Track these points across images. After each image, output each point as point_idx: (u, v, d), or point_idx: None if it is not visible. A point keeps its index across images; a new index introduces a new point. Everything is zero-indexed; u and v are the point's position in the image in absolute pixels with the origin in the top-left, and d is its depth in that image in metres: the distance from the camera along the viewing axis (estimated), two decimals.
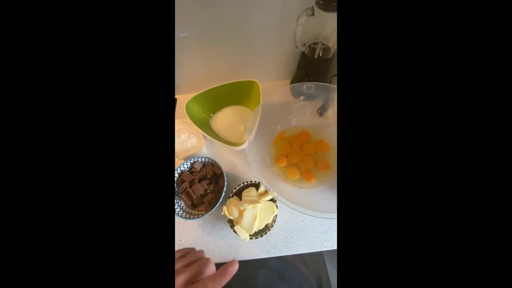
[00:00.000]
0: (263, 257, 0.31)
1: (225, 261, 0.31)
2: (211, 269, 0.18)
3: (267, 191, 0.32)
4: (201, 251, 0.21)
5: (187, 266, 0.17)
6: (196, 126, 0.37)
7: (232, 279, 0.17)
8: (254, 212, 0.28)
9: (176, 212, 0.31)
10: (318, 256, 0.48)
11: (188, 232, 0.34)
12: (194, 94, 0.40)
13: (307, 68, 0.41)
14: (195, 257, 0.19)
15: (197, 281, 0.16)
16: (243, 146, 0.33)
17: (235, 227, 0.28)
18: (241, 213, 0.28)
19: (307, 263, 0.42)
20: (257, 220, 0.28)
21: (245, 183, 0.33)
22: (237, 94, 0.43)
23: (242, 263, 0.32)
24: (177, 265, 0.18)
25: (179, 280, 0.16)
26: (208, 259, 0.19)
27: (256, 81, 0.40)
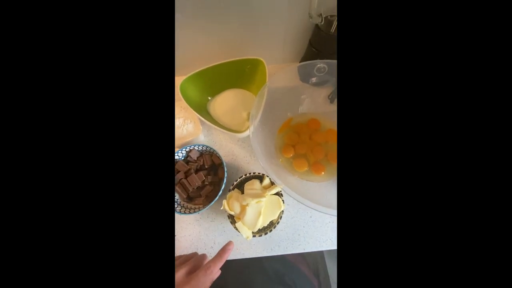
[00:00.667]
0: (266, 255, 0.28)
1: None
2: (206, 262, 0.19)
3: (272, 184, 0.29)
4: (203, 254, 0.21)
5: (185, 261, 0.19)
6: (192, 110, 0.33)
7: (228, 285, 0.20)
8: (258, 208, 0.25)
9: None
10: (317, 254, 0.47)
11: (183, 227, 0.31)
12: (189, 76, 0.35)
13: (320, 46, 0.35)
14: (193, 256, 0.20)
15: (193, 274, 0.17)
16: (246, 133, 0.29)
17: (236, 224, 0.25)
18: (243, 208, 0.25)
19: (307, 261, 0.40)
20: (261, 217, 0.25)
21: (248, 174, 0.29)
22: (239, 75, 0.38)
23: (239, 264, 0.29)
24: (176, 262, 0.19)
25: (178, 274, 0.17)
26: (204, 255, 0.21)
27: (262, 59, 0.35)
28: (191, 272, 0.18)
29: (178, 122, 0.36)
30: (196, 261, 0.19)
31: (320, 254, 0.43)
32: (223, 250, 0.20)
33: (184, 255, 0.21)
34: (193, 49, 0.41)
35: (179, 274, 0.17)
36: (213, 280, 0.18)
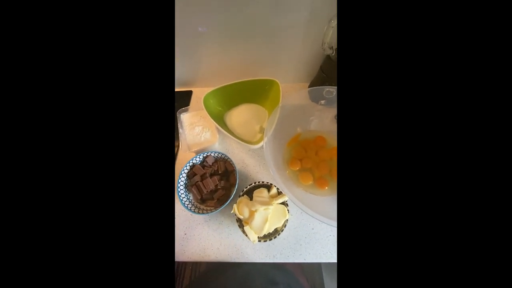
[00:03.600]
0: (269, 261, 0.30)
1: (229, 260, 0.30)
2: None
3: (279, 194, 0.31)
4: None
5: None
6: (211, 120, 0.37)
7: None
8: (265, 214, 0.27)
9: (185, 204, 0.31)
10: (315, 265, 0.47)
11: (193, 227, 0.33)
12: (210, 88, 0.40)
13: (329, 72, 0.40)
14: None
15: None
16: (258, 145, 0.33)
17: (244, 227, 0.27)
18: (252, 214, 0.27)
19: (305, 272, 0.41)
20: (268, 223, 0.27)
21: (257, 183, 0.32)
22: (255, 92, 0.42)
23: (239, 269, 0.30)
24: None
25: None
26: None
27: (277, 80, 0.39)
28: None
29: (197, 129, 0.40)
30: None
31: (318, 266, 0.44)
32: None
33: None
34: (215, 66, 0.46)
35: None
36: None
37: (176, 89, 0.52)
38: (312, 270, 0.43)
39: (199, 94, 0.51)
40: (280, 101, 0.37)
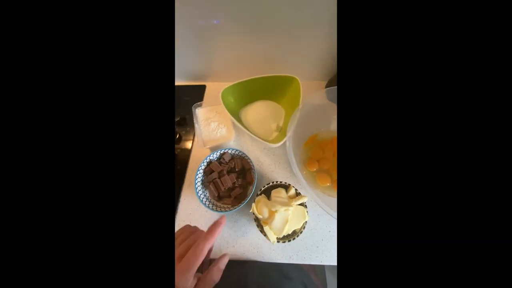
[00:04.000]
0: (285, 261, 0.30)
1: (245, 259, 0.30)
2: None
3: (297, 195, 0.30)
4: (200, 232, 0.21)
5: (184, 241, 0.18)
6: (227, 116, 0.36)
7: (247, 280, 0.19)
8: (286, 215, 0.27)
9: (203, 201, 0.30)
10: (320, 267, 0.47)
11: (208, 223, 0.33)
12: (224, 83, 0.39)
13: None
14: (193, 232, 0.20)
15: (182, 259, 0.16)
16: (278, 144, 0.32)
17: (264, 228, 0.27)
18: (272, 214, 0.27)
19: (315, 270, 0.41)
20: (287, 224, 0.26)
21: (275, 182, 0.32)
22: (273, 88, 0.41)
23: (256, 263, 0.31)
24: (176, 242, 0.18)
25: (177, 252, 0.17)
26: (200, 232, 0.20)
27: (297, 78, 0.38)
28: (182, 255, 0.16)
29: (213, 125, 0.39)
30: (191, 241, 0.18)
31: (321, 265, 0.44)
32: (215, 225, 0.19)
33: (183, 235, 0.20)
34: (229, 61, 0.45)
35: (176, 254, 0.17)
36: (201, 261, 0.17)
37: (190, 83, 0.51)
38: (320, 267, 0.43)
39: (213, 89, 0.50)
40: (301, 99, 0.35)
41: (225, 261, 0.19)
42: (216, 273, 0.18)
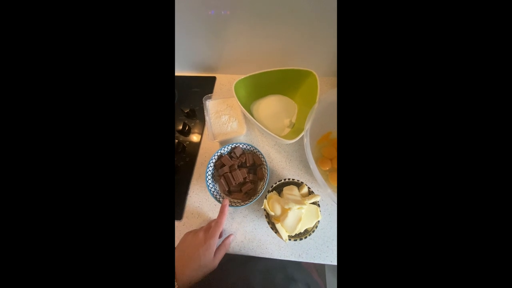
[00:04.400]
0: (293, 259, 0.29)
1: (252, 255, 0.30)
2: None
3: (310, 194, 0.30)
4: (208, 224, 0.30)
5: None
6: (238, 109, 0.35)
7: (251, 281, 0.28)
8: (299, 214, 0.26)
9: (213, 194, 0.30)
10: (320, 267, 0.48)
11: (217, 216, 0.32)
12: (234, 75, 0.37)
13: None
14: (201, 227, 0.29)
15: (209, 231, 0.26)
16: (294, 140, 0.31)
17: (276, 225, 0.26)
18: (285, 211, 0.26)
19: (318, 271, 0.41)
20: (300, 223, 0.26)
21: (287, 179, 0.31)
22: (286, 83, 0.40)
23: (259, 262, 0.31)
24: (192, 232, 0.27)
25: (200, 235, 0.26)
26: (210, 222, 0.29)
27: (314, 72, 0.36)
28: (208, 231, 0.26)
29: (224, 118, 0.38)
30: (206, 226, 0.28)
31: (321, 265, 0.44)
32: (222, 206, 0.27)
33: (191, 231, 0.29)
34: (240, 52, 0.43)
35: (201, 234, 0.26)
36: (221, 228, 0.27)
37: (200, 74, 0.49)
38: (321, 267, 0.43)
39: (223, 81, 0.48)
40: (318, 95, 0.34)
41: (232, 238, 0.30)
42: (227, 244, 0.28)
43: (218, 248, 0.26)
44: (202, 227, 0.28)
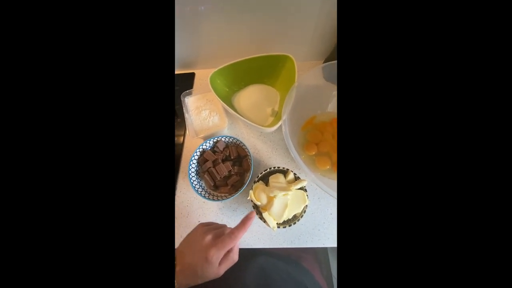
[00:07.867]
0: (286, 246, 0.29)
1: (246, 247, 0.30)
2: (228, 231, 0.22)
3: (296, 179, 0.29)
4: (224, 225, 0.25)
5: (217, 229, 0.23)
6: (219, 103, 0.34)
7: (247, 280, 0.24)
8: (285, 200, 0.26)
9: (198, 191, 0.29)
10: (322, 250, 0.48)
11: (206, 214, 0.32)
12: (214, 69, 0.36)
13: None
14: (216, 225, 0.24)
15: (219, 239, 0.21)
16: (274, 128, 0.30)
17: (263, 214, 0.26)
18: (270, 200, 0.26)
19: (321, 268, 0.40)
20: (287, 209, 0.26)
21: (272, 168, 0.30)
22: (265, 70, 0.38)
23: (254, 260, 0.30)
24: (204, 229, 0.22)
25: (207, 238, 0.21)
26: (224, 225, 0.24)
27: (291, 56, 0.35)
28: (218, 237, 0.21)
29: (204, 113, 0.37)
30: (219, 230, 0.22)
31: (324, 249, 0.44)
32: (246, 218, 0.22)
33: (215, 224, 0.24)
34: (219, 45, 0.41)
35: (208, 238, 0.21)
36: (234, 244, 0.21)
37: (177, 71, 0.47)
38: (326, 265, 0.43)
39: (202, 76, 0.47)
40: (296, 78, 0.33)
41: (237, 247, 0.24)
42: (235, 255, 0.22)
43: (225, 257, 0.21)
44: (214, 225, 0.24)
